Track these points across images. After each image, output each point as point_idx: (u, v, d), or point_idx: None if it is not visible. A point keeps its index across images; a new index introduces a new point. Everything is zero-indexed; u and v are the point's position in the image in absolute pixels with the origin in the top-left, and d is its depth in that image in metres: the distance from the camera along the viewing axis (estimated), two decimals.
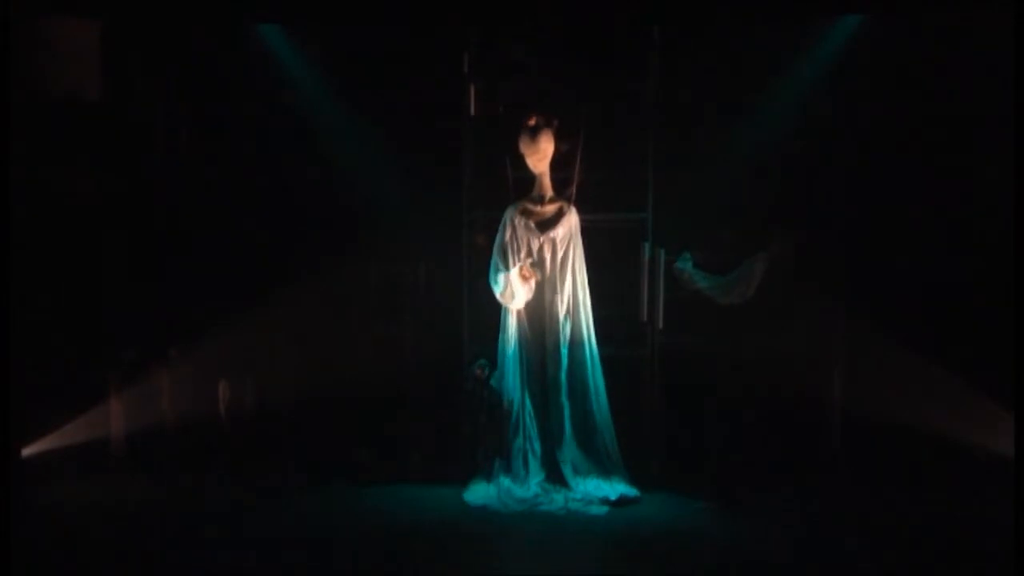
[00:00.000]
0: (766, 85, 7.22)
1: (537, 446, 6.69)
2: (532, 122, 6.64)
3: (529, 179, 6.79)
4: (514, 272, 6.59)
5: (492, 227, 6.82)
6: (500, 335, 6.80)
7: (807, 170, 7.12)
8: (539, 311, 6.73)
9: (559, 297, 6.71)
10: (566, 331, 6.72)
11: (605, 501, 6.36)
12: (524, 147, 6.66)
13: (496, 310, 6.84)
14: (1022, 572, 4.89)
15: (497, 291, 6.66)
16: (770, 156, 7.12)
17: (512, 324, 6.75)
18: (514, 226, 6.69)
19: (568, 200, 6.76)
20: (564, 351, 6.71)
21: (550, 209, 6.74)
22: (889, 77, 7.04)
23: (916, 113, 6.99)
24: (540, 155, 6.66)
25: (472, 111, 7.01)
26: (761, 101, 7.22)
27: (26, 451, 6.82)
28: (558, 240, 6.69)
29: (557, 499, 6.41)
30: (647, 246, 6.88)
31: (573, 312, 6.73)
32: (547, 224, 6.70)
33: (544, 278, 6.70)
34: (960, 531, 5.79)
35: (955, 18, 6.81)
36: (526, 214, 6.73)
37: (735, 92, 7.16)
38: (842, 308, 7.01)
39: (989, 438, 6.49)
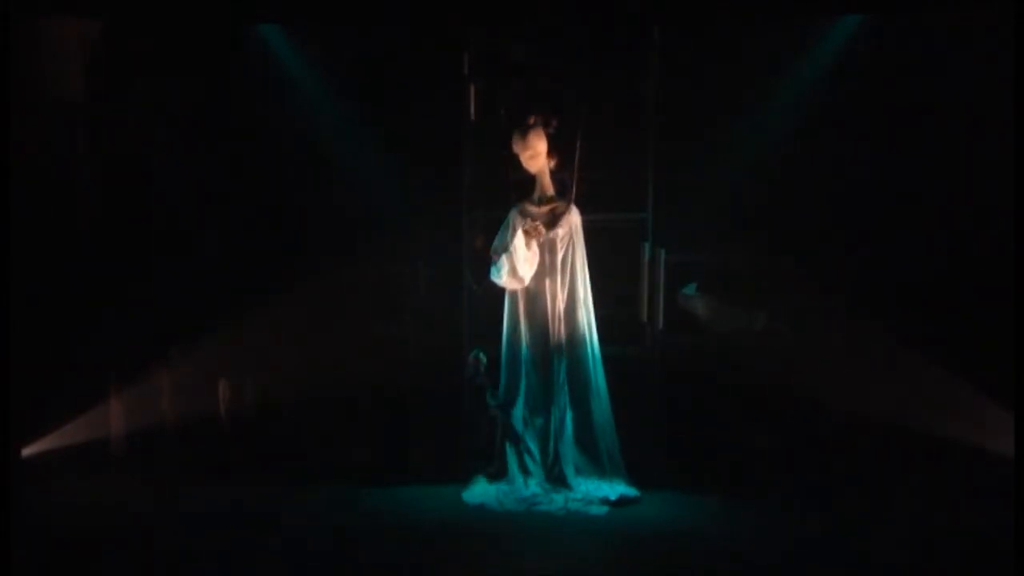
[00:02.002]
0: (766, 85, 7.23)
1: (537, 446, 6.69)
2: (530, 121, 6.63)
3: (530, 180, 6.78)
4: (518, 238, 6.50)
5: (492, 227, 6.81)
6: (501, 335, 6.80)
7: (807, 170, 7.12)
8: (540, 310, 6.71)
9: (560, 296, 6.69)
10: (567, 330, 6.70)
11: (605, 501, 6.35)
12: (515, 146, 6.63)
13: (496, 310, 6.84)
14: (1022, 572, 4.88)
15: (503, 273, 6.56)
16: (770, 156, 7.12)
17: (513, 323, 6.74)
18: (514, 228, 6.67)
19: (568, 200, 6.75)
20: (565, 350, 6.70)
21: (550, 209, 6.73)
22: (889, 77, 7.04)
23: (916, 113, 6.98)
24: (531, 152, 6.61)
25: (472, 112, 7.01)
26: (761, 101, 7.22)
27: (26, 451, 6.82)
28: (559, 239, 6.67)
29: (557, 499, 6.40)
30: (647, 246, 6.88)
31: (574, 311, 6.70)
32: (547, 224, 6.67)
33: (547, 279, 6.69)
34: (960, 531, 5.78)
35: (955, 18, 6.81)
36: (526, 215, 6.71)
37: (735, 92, 7.17)
38: (842, 308, 7.01)
39: (989, 438, 6.49)
